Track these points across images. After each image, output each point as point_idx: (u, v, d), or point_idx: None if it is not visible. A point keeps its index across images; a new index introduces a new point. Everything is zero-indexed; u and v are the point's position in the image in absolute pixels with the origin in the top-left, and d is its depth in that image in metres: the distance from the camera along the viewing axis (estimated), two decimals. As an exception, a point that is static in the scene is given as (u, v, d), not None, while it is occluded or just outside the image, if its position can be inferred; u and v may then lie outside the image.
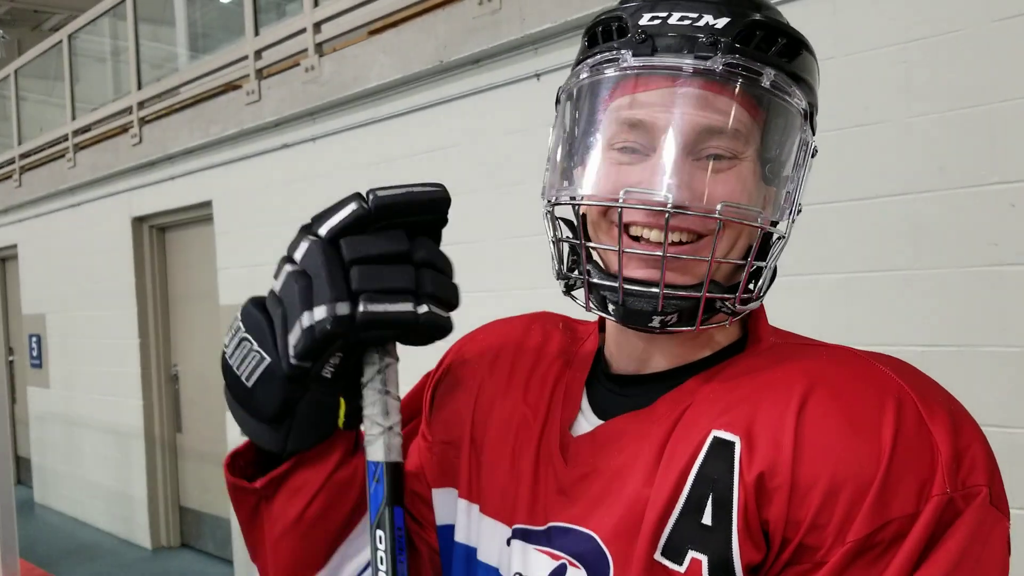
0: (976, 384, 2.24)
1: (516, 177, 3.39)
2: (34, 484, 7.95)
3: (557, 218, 0.83)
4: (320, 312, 0.74)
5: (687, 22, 0.75)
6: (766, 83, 0.75)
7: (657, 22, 0.76)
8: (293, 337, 0.76)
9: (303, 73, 4.37)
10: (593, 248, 0.80)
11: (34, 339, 7.70)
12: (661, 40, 0.75)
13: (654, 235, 0.75)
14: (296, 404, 0.80)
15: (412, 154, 3.91)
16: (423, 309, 0.75)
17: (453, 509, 0.92)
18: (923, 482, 0.67)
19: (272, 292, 0.80)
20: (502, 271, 3.45)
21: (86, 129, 6.66)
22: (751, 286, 0.80)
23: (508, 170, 3.44)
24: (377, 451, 0.80)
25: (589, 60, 0.80)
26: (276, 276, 0.80)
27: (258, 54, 4.72)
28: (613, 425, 0.82)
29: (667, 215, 0.72)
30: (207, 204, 5.36)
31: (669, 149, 0.74)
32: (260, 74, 4.73)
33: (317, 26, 4.29)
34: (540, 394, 0.89)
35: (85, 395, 6.94)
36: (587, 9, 3.02)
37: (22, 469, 8.46)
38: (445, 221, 0.80)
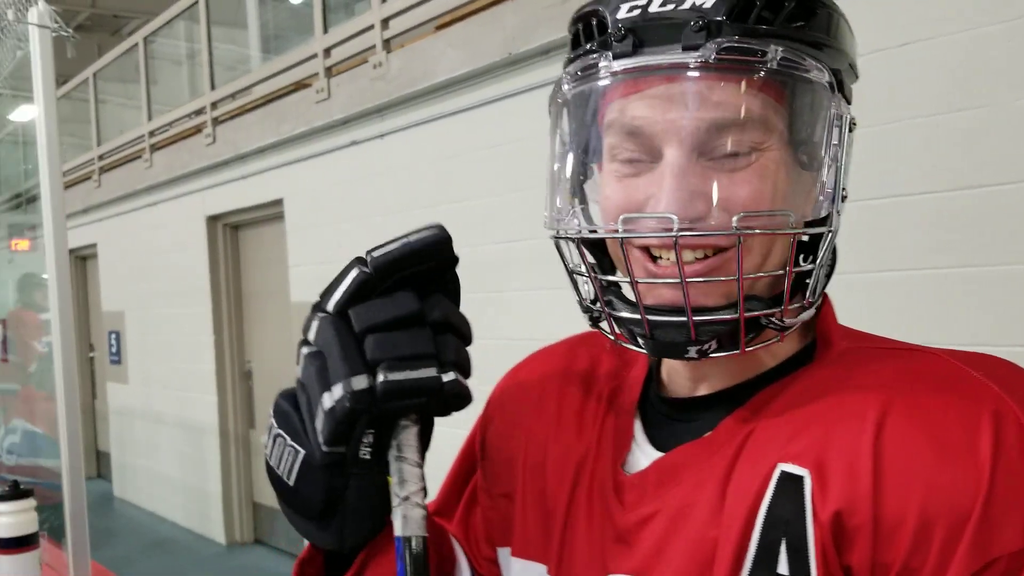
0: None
1: (586, 171, 3.31)
2: (113, 479, 8.15)
3: (574, 244, 0.72)
4: (338, 391, 0.67)
5: (670, 7, 0.64)
6: (773, 63, 0.63)
7: (636, 12, 0.65)
8: (319, 422, 0.69)
9: (371, 70, 4.36)
10: (602, 279, 0.71)
11: (113, 336, 7.89)
12: (644, 33, 0.64)
13: (672, 256, 0.64)
14: (342, 494, 0.73)
15: (480, 148, 3.87)
16: (449, 376, 0.67)
17: (508, 569, 0.84)
18: None
19: (297, 380, 0.73)
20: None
21: (162, 130, 6.79)
22: (804, 289, 0.69)
23: (578, 164, 3.36)
24: (396, 525, 0.72)
25: (571, 67, 0.70)
26: (297, 362, 0.73)
27: (327, 52, 4.73)
28: (671, 458, 0.73)
29: (675, 240, 0.62)
30: (278, 202, 5.41)
31: (673, 157, 0.64)
32: (329, 72, 4.74)
33: (385, 22, 4.27)
34: (592, 430, 0.80)
35: (162, 391, 7.08)
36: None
37: (102, 464, 8.69)
38: (455, 260, 0.72)
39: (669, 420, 0.77)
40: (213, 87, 5.98)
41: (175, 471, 6.98)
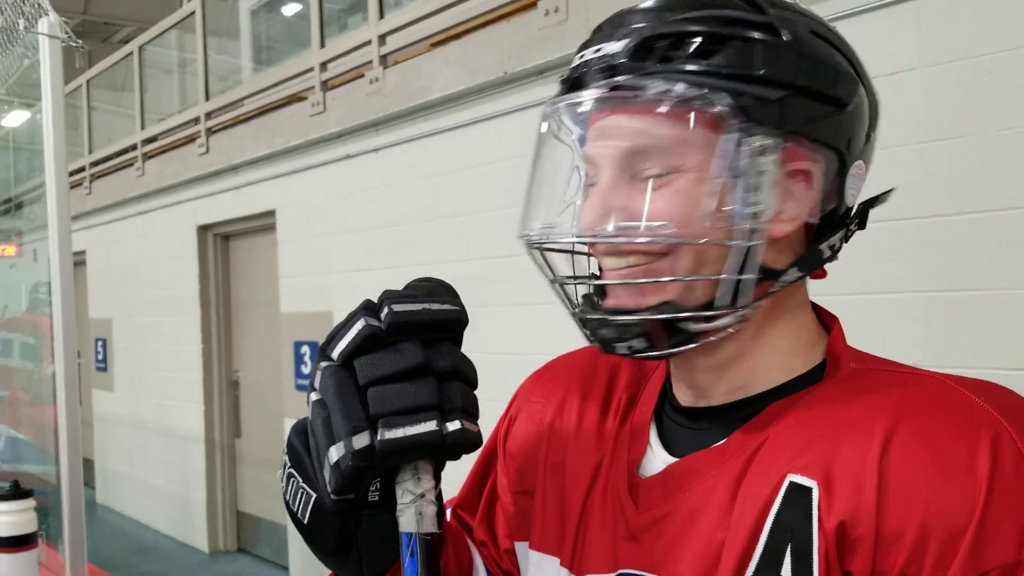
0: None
1: (579, 189, 3.35)
2: (97, 486, 8.11)
3: (540, 253, 0.82)
4: (341, 447, 0.70)
5: (598, 54, 0.74)
6: (650, 93, 0.71)
7: (581, 60, 0.76)
8: (327, 473, 0.73)
9: (367, 85, 4.41)
10: (554, 283, 0.81)
11: (100, 343, 7.88)
12: (581, 76, 0.76)
13: (608, 263, 0.76)
14: (355, 533, 0.77)
15: (473, 165, 3.91)
16: (453, 426, 0.71)
17: (526, 561, 0.89)
18: None
19: (308, 420, 0.77)
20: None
21: (154, 139, 6.80)
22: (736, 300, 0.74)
23: (571, 182, 3.40)
24: (409, 521, 0.74)
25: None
26: (307, 402, 0.77)
27: (323, 66, 4.77)
28: (685, 464, 0.78)
29: (572, 245, 0.77)
30: (270, 213, 5.44)
31: (602, 180, 0.74)
32: (325, 86, 4.78)
33: (382, 38, 4.32)
34: (610, 432, 0.86)
35: (148, 399, 7.07)
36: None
37: (86, 471, 8.59)
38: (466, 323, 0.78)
39: (682, 428, 0.81)
40: (208, 97, 6.02)
41: (159, 479, 6.95)
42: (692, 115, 0.71)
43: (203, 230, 6.29)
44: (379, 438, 0.69)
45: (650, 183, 0.72)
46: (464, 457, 0.76)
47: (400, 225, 4.34)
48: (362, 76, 4.48)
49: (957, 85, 2.37)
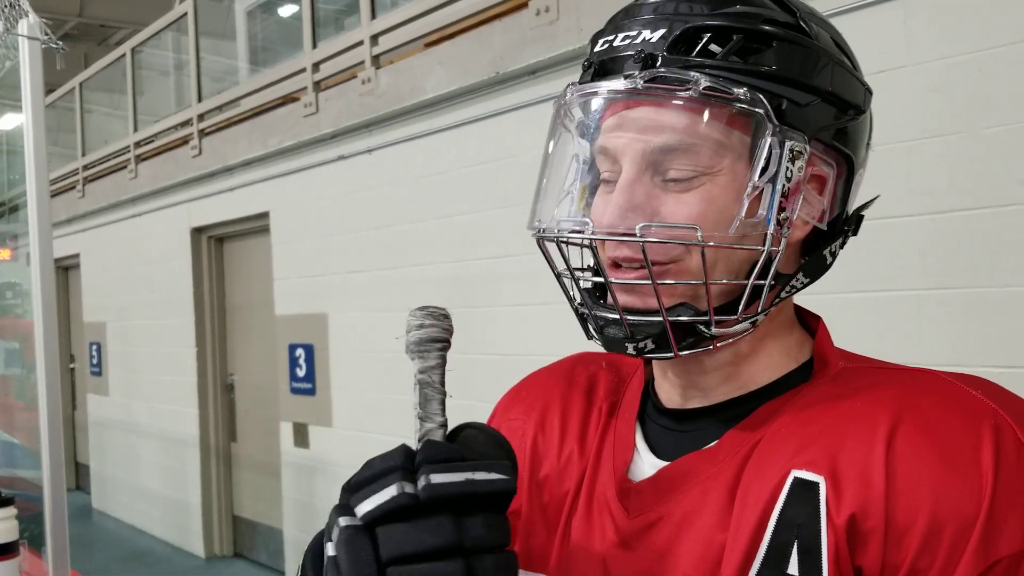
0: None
1: (572, 189, 3.33)
2: (92, 490, 8.09)
3: (544, 249, 0.81)
4: None
5: (627, 41, 0.72)
6: (695, 91, 0.69)
7: (605, 47, 0.74)
8: None
9: (360, 85, 4.38)
10: (560, 278, 0.79)
11: (94, 347, 7.85)
12: (607, 64, 0.74)
13: (626, 264, 0.74)
14: None
15: (467, 165, 3.90)
16: None
17: None
18: None
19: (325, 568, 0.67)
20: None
21: (148, 141, 6.78)
22: (749, 306, 0.73)
23: (564, 182, 3.38)
24: None
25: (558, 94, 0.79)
26: (323, 552, 0.67)
27: (316, 67, 4.75)
28: (677, 466, 0.76)
29: (592, 243, 0.73)
30: (264, 215, 5.41)
31: (624, 176, 0.72)
32: (318, 87, 4.76)
33: (374, 38, 4.30)
34: (593, 442, 0.84)
35: (143, 403, 7.04)
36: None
37: (81, 475, 8.61)
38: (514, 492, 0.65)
39: (669, 431, 0.80)
40: (200, 99, 5.99)
41: (155, 483, 6.93)
42: (733, 115, 0.70)
43: (197, 232, 6.27)
44: None
45: (678, 184, 0.71)
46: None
47: (394, 226, 4.32)
48: (355, 77, 4.46)
49: (946, 83, 2.35)
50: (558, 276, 0.79)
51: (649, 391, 0.84)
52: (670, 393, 0.81)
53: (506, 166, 3.67)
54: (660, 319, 0.71)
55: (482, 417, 0.96)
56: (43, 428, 2.08)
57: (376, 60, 4.33)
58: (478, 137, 3.85)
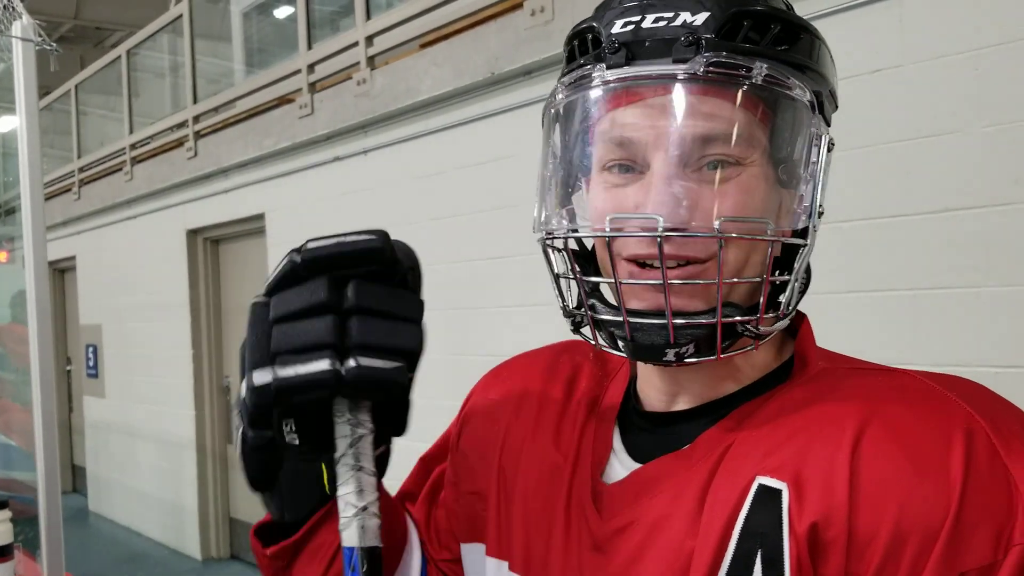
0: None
1: (567, 190, 3.33)
2: (89, 493, 8.07)
3: (559, 250, 0.76)
4: (246, 381, 0.68)
5: (662, 23, 0.67)
6: (758, 78, 0.66)
7: (630, 28, 0.68)
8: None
9: (355, 86, 4.38)
10: (586, 281, 0.72)
11: (91, 349, 7.84)
12: (636, 47, 0.68)
13: (657, 264, 0.67)
14: (276, 474, 0.74)
15: (462, 166, 3.89)
16: (350, 364, 0.66)
17: (482, 567, 0.85)
18: (1000, 527, 0.59)
19: None
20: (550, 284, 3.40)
21: (143, 143, 6.77)
22: (780, 301, 0.72)
23: (559, 183, 3.38)
24: (352, 535, 0.70)
25: (565, 79, 0.73)
26: None
27: (311, 68, 4.75)
28: (649, 470, 0.74)
29: (659, 240, 0.65)
30: (260, 217, 5.40)
31: (660, 165, 0.67)
32: (313, 88, 4.76)
33: (369, 40, 4.30)
34: (571, 437, 0.82)
35: (139, 405, 7.03)
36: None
37: (77, 478, 8.59)
38: (399, 266, 0.72)
39: (646, 433, 0.78)
40: (196, 100, 5.98)
41: (151, 486, 6.91)
42: (781, 103, 0.68)
43: (192, 234, 6.25)
44: (274, 376, 0.66)
45: (717, 174, 0.67)
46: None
47: (390, 227, 4.28)
48: (350, 78, 4.45)
49: (941, 82, 2.35)
50: (564, 279, 0.75)
51: (632, 390, 0.82)
52: (654, 397, 0.79)
53: (501, 167, 3.66)
54: (708, 321, 0.67)
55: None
56: (37, 430, 2.08)
57: (371, 61, 4.33)
58: (473, 138, 3.84)
